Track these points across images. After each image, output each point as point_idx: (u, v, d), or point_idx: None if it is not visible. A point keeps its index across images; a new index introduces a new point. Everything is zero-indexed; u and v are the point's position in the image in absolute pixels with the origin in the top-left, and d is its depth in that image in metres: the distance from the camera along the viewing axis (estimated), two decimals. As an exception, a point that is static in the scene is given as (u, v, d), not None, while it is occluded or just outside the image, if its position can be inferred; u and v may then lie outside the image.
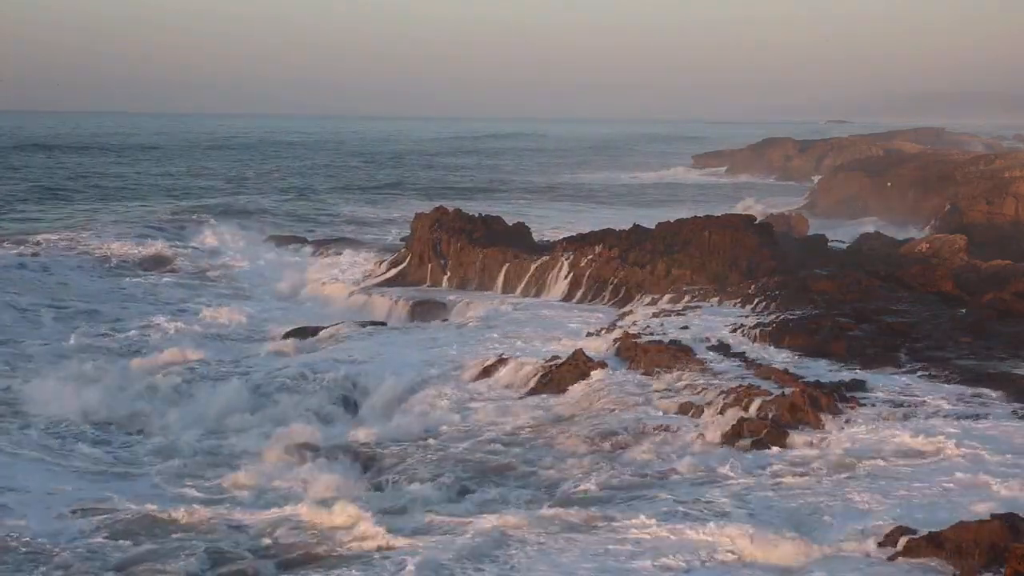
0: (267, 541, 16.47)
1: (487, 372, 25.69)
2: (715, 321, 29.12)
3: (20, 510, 18.01)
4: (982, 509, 15.10)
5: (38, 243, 48.21)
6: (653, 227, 39.65)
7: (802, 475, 17.82)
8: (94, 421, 24.06)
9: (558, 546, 15.40)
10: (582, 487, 18.12)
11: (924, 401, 20.89)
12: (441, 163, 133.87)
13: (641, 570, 14.43)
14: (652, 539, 15.37)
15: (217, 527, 17.08)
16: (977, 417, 19.82)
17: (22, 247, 47.15)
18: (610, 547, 15.24)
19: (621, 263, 37.36)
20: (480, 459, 20.22)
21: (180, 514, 17.40)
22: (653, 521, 15.84)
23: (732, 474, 18.11)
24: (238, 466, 20.57)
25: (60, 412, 24.13)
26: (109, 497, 18.58)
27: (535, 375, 24.99)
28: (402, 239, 48.09)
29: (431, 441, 21.55)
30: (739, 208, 62.29)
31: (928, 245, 40.60)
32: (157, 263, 47.05)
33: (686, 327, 28.19)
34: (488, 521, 16.43)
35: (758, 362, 24.00)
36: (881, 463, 17.86)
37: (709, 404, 21.28)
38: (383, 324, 33.66)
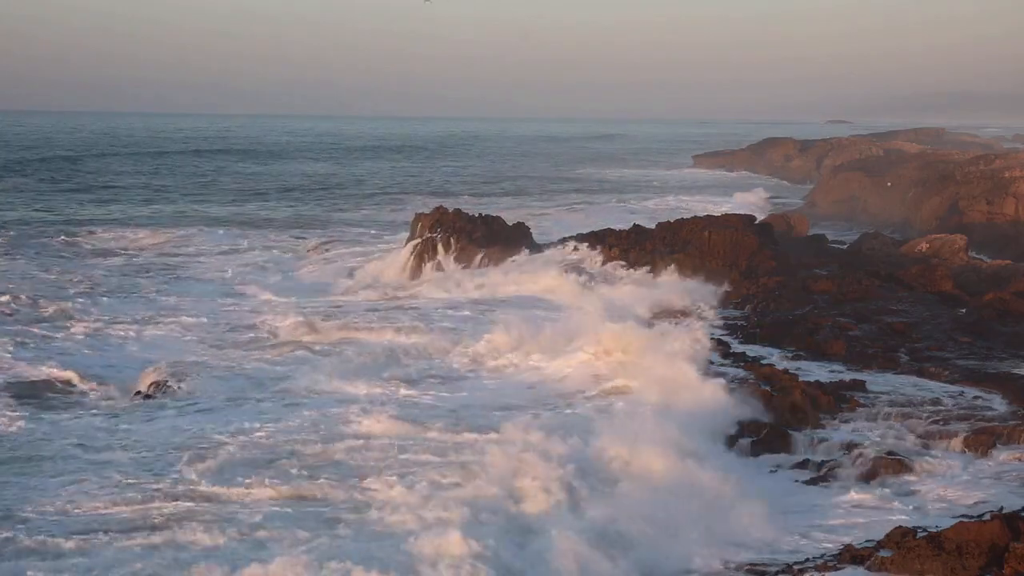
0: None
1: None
2: (715, 321, 29.11)
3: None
4: (982, 509, 15.11)
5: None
6: (653, 227, 39.67)
7: (800, 475, 17.81)
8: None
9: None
10: None
11: (924, 401, 20.87)
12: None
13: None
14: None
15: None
16: (977, 418, 19.79)
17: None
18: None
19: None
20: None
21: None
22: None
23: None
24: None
25: None
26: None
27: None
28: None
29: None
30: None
31: (928, 245, 40.62)
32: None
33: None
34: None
35: (758, 362, 23.97)
36: (880, 463, 17.84)
37: (709, 404, 21.23)
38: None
